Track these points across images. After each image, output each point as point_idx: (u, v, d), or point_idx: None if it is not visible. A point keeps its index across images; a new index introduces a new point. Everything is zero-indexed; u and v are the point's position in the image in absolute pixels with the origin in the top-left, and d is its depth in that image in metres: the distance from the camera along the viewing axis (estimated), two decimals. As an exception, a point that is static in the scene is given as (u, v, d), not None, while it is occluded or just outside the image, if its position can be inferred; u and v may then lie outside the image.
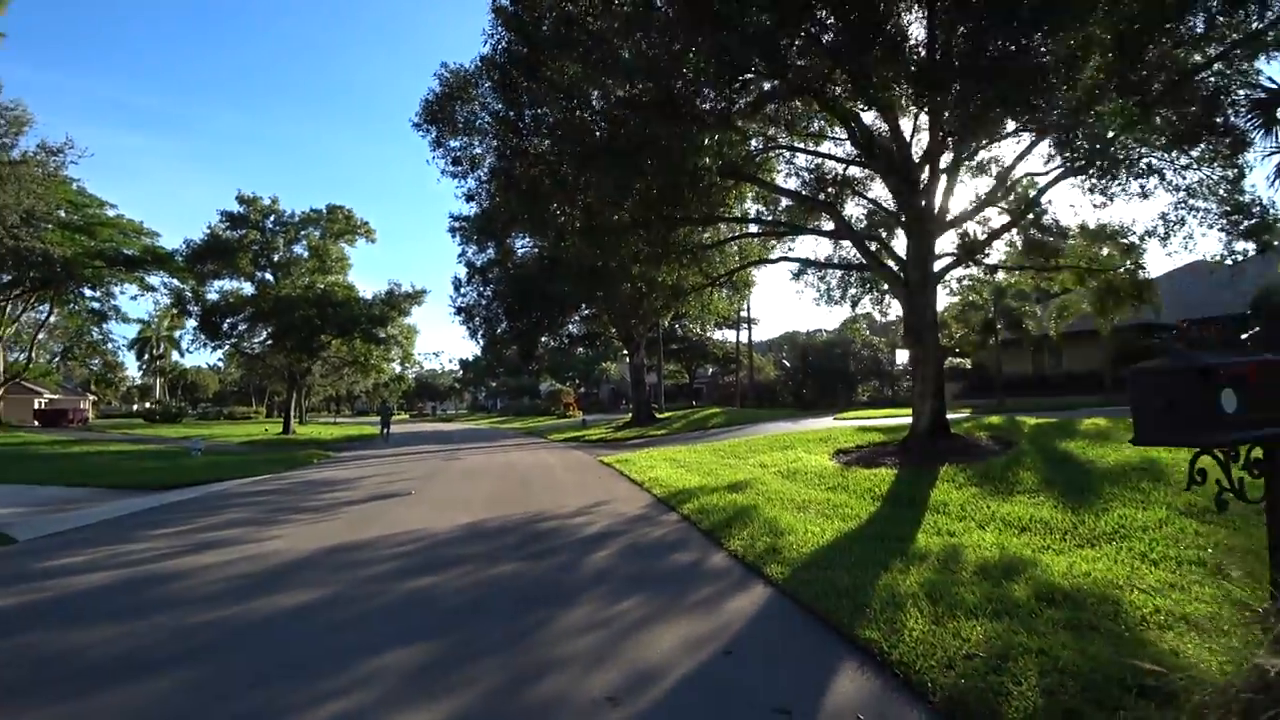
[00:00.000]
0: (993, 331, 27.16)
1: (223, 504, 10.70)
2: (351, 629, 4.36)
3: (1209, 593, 3.94)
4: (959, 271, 15.99)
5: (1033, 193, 13.12)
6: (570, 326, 37.02)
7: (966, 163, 13.61)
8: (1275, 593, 2.69)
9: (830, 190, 14.61)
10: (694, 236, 14.80)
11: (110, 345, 50.38)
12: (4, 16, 18.06)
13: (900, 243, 13.65)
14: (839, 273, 17.24)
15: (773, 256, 19.18)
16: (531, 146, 13.29)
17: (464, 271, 33.29)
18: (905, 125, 12.43)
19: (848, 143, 14.42)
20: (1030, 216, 13.72)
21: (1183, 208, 12.71)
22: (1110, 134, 10.21)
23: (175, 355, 71.99)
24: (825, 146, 14.45)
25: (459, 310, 33.47)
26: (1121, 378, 8.87)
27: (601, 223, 12.57)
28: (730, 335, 49.06)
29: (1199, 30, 9.86)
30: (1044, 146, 11.94)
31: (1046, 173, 12.54)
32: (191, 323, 40.51)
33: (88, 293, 39.41)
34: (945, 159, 11.83)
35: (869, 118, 13.25)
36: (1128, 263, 14.91)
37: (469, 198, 20.86)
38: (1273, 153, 9.10)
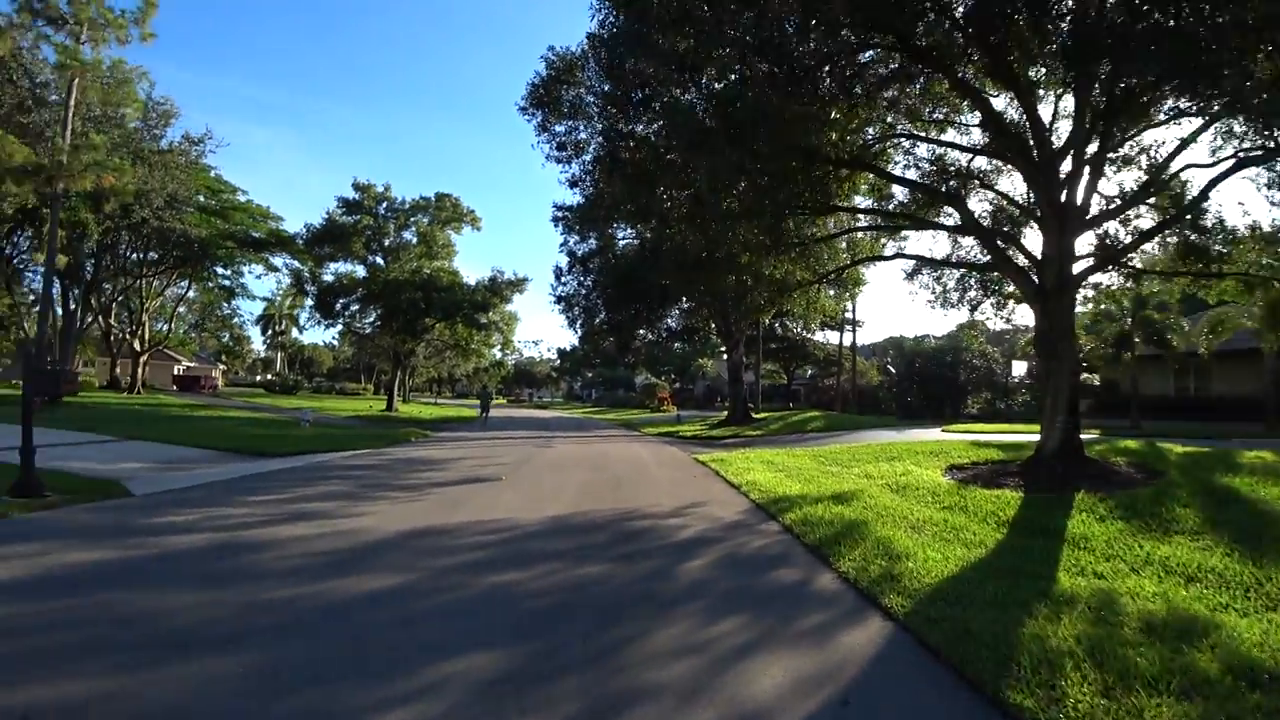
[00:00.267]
0: (1129, 345, 24.30)
1: (322, 475, 10.94)
2: (424, 624, 4.02)
3: None
4: (1092, 278, 14.13)
5: (1194, 189, 11.30)
6: (669, 320, 36.56)
7: (1114, 152, 11.93)
8: None
9: (952, 183, 13.28)
10: (804, 229, 13.86)
11: (237, 320, 55.06)
12: (154, 19, 19.52)
13: (1030, 241, 12.16)
14: (957, 273, 15.68)
15: (886, 253, 17.82)
16: (638, 128, 12.83)
17: (565, 261, 33.57)
18: (1044, 111, 11.06)
19: (975, 130, 13.10)
20: (1188, 216, 11.86)
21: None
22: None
23: (295, 332, 77.74)
24: (947, 136, 13.16)
25: (559, 299, 33.72)
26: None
27: (709, 210, 11.92)
28: (832, 337, 47.21)
29: None
30: (1209, 135, 10.24)
31: (1213, 164, 10.75)
32: (309, 302, 43.40)
33: (220, 270, 43.15)
34: (1090, 148, 10.37)
35: (999, 103, 11.92)
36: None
37: (573, 183, 20.77)
38: None
